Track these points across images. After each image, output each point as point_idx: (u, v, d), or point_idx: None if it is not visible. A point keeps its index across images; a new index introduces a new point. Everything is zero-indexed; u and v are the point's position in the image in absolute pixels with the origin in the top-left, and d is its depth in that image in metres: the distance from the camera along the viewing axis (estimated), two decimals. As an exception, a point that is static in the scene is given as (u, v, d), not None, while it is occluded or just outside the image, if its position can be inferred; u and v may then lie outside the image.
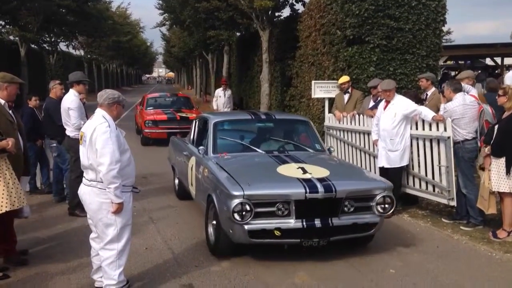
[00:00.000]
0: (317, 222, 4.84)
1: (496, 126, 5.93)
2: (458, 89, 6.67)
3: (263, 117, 7.03)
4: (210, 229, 5.45)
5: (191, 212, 7.04)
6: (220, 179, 5.10)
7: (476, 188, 6.41)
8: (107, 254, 4.12)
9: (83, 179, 4.22)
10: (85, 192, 4.16)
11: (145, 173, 9.64)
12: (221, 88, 15.19)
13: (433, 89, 7.99)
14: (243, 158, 6.02)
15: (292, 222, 4.80)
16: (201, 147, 6.12)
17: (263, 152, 6.09)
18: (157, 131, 13.71)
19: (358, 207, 5.05)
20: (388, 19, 9.44)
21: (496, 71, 21.34)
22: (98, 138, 3.98)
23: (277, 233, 4.74)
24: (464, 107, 6.51)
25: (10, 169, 4.66)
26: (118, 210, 4.06)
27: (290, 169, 5.26)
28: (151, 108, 15.11)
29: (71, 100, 6.65)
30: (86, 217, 4.39)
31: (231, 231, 4.82)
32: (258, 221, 4.74)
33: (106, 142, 3.97)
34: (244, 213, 4.65)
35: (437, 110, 7.02)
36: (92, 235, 4.34)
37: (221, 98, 14.82)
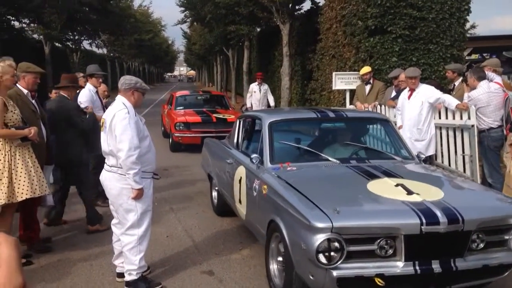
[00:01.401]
0: (436, 266, 3.43)
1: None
2: (482, 77, 6.52)
3: (332, 115, 5.32)
4: (274, 268, 4.14)
5: (211, 204, 7.03)
6: (291, 202, 3.70)
7: (501, 177, 6.26)
8: (128, 240, 4.15)
9: (105, 165, 4.25)
10: (106, 177, 4.19)
11: (167, 165, 9.70)
12: (256, 83, 13.52)
13: (460, 79, 7.82)
14: (313, 170, 4.54)
15: (399, 266, 3.39)
16: (254, 155, 4.65)
17: (336, 161, 4.63)
18: (189, 135, 11.37)
19: (489, 242, 3.62)
20: (411, 8, 9.28)
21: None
22: (117, 124, 4.00)
23: (379, 282, 3.36)
24: (489, 95, 6.36)
25: (33, 157, 4.72)
26: (138, 196, 4.07)
27: (386, 188, 3.85)
28: (181, 108, 12.89)
29: (83, 94, 6.57)
30: (108, 206, 4.43)
31: (311, 277, 3.41)
32: (351, 264, 3.35)
33: (125, 128, 3.98)
34: (332, 253, 3.29)
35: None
36: (113, 221, 4.37)
37: (256, 93, 13.26)
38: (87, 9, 24.80)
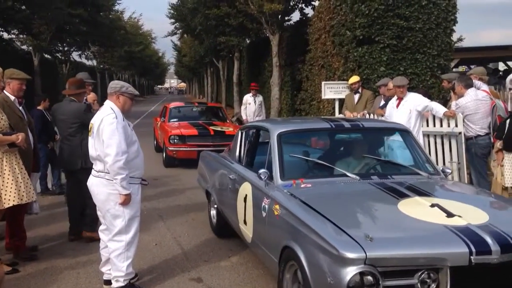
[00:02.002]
0: None
1: (508, 121, 5.84)
2: (469, 84, 6.60)
3: (347, 125, 4.79)
4: None
5: (200, 212, 7.00)
6: (312, 226, 3.20)
7: (489, 184, 6.31)
8: (115, 246, 4.11)
9: (92, 170, 4.22)
10: (93, 183, 4.16)
11: (156, 175, 9.65)
12: (250, 94, 12.97)
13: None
14: (331, 187, 4.07)
15: None
16: (262, 170, 4.12)
17: (355, 176, 4.13)
18: (185, 149, 10.48)
19: None
20: (398, 18, 9.39)
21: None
22: (104, 128, 3.98)
23: None
24: (476, 102, 6.44)
25: (20, 163, 4.68)
26: (126, 201, 4.04)
27: (420, 208, 3.38)
28: (175, 120, 12.01)
29: None
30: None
31: None
32: None
33: (113, 133, 3.96)
34: None
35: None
36: (101, 227, 4.32)
37: (250, 105, 12.70)
38: (77, 20, 24.80)
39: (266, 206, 3.95)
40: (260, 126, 5.19)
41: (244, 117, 12.81)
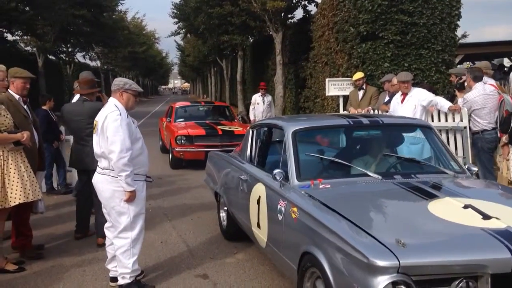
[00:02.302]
0: None
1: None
2: (478, 77, 6.50)
3: (366, 121, 4.50)
4: None
5: (206, 210, 7.00)
6: (336, 231, 2.93)
7: (495, 178, 6.27)
8: (121, 243, 4.10)
9: (97, 167, 4.22)
10: (98, 180, 4.16)
11: (161, 174, 9.66)
12: (259, 94, 12.52)
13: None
14: (352, 187, 3.80)
15: None
16: (277, 171, 3.85)
17: (377, 176, 3.84)
18: (192, 150, 10.05)
19: None
20: (402, 14, 9.37)
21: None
22: (109, 126, 3.98)
23: None
24: (484, 97, 6.38)
25: (26, 162, 4.69)
26: (131, 198, 4.04)
27: (453, 210, 3.11)
28: (181, 120, 11.65)
29: (74, 100, 6.31)
30: None
31: None
32: None
33: (117, 130, 3.96)
34: None
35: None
36: (106, 225, 4.32)
37: (259, 105, 12.28)
38: (80, 21, 24.88)
39: (282, 209, 3.68)
40: (272, 124, 4.92)
41: (252, 118, 12.42)
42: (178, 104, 12.64)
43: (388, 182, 3.80)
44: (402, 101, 7.01)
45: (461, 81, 7.08)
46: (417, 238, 2.78)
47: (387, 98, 8.24)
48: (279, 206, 3.76)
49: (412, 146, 4.88)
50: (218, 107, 13.53)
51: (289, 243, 3.57)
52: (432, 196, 3.37)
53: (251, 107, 12.65)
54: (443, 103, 6.67)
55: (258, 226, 4.23)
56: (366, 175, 3.90)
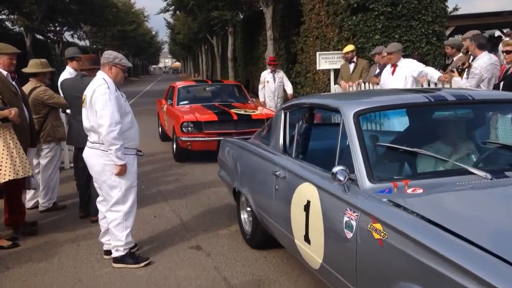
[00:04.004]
0: None
1: (502, 83, 5.80)
2: (483, 45, 6.25)
3: (451, 98, 3.28)
4: None
5: (198, 184, 7.04)
6: (460, 261, 1.97)
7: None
8: (114, 216, 4.13)
9: (87, 142, 4.21)
10: (88, 154, 4.16)
11: (153, 151, 9.66)
12: (268, 70, 10.66)
13: (460, 54, 7.50)
14: (455, 191, 2.71)
15: None
16: (338, 168, 2.77)
17: (485, 174, 2.76)
18: (202, 139, 8.26)
19: None
20: (392, -15, 9.30)
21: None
22: (97, 99, 3.96)
23: None
24: (492, 66, 6.25)
25: (15, 138, 4.67)
26: (121, 172, 4.04)
27: None
28: (185, 102, 9.80)
29: (62, 77, 6.28)
30: None
31: None
32: None
33: (105, 103, 3.94)
34: None
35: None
36: (98, 199, 4.34)
37: (269, 83, 10.47)
38: (67, -1, 24.51)
39: (353, 223, 2.66)
40: (319, 104, 3.92)
41: (262, 99, 10.66)
42: (181, 84, 10.79)
43: (504, 182, 2.74)
44: (393, 72, 7.01)
45: (464, 66, 6.87)
46: None
47: (377, 71, 8.24)
48: (346, 218, 2.73)
49: None
50: (227, 86, 11.41)
51: (369, 273, 2.57)
52: None
53: (260, 86, 10.84)
54: (433, 74, 6.67)
55: (307, 240, 3.21)
56: (468, 172, 2.82)
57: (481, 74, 6.09)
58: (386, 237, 2.40)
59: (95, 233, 4.81)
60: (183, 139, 8.33)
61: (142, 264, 4.17)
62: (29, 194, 5.93)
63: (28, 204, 5.89)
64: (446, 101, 3.32)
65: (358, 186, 2.80)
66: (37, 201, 5.91)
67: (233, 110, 8.87)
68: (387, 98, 3.66)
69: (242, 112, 8.79)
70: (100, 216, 4.37)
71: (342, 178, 2.76)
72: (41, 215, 5.73)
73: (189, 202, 6.17)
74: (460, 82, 6.24)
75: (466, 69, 6.48)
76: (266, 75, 10.66)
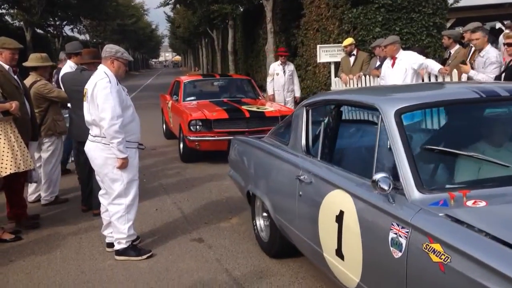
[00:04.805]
0: None
1: (503, 75, 5.81)
2: (489, 38, 6.31)
3: (504, 93, 2.90)
4: None
5: (199, 178, 7.07)
6: None
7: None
8: (116, 209, 4.15)
9: (89, 135, 4.23)
10: (90, 148, 4.18)
11: (155, 144, 9.68)
12: (278, 62, 10.21)
13: (457, 46, 7.50)
14: None
15: None
16: (381, 175, 2.42)
17: None
18: (211, 138, 7.67)
19: None
20: (392, -23, 9.28)
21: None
22: (99, 93, 3.97)
23: None
24: (500, 56, 6.27)
25: (16, 132, 4.69)
26: (123, 165, 4.06)
27: None
28: (192, 98, 9.12)
29: (63, 71, 6.21)
30: None
31: None
32: None
33: (107, 97, 3.96)
34: None
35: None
36: (100, 192, 4.36)
37: (279, 76, 9.99)
38: (67, -7, 24.46)
39: (402, 241, 2.28)
40: (348, 101, 3.49)
41: (270, 92, 10.19)
42: (187, 78, 10.17)
43: None
44: (392, 65, 7.00)
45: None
46: None
47: (378, 63, 8.24)
48: (392, 235, 2.36)
49: None
50: (236, 80, 10.60)
51: None
52: None
53: (268, 79, 10.38)
54: (433, 66, 6.67)
55: (339, 255, 2.85)
56: None
57: (499, 64, 6.07)
58: (448, 260, 2.00)
59: (97, 226, 4.84)
60: (191, 138, 7.73)
61: (144, 257, 4.20)
62: (31, 188, 5.97)
63: (30, 197, 5.93)
64: (499, 97, 2.92)
65: (405, 197, 2.42)
66: (39, 194, 5.95)
67: (244, 107, 8.25)
68: (432, 93, 3.26)
69: (254, 109, 8.17)
70: (102, 209, 4.39)
71: (386, 187, 2.39)
72: (43, 208, 5.76)
73: (191, 195, 6.20)
74: (478, 76, 6.12)
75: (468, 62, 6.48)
76: (275, 67, 10.16)
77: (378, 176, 2.42)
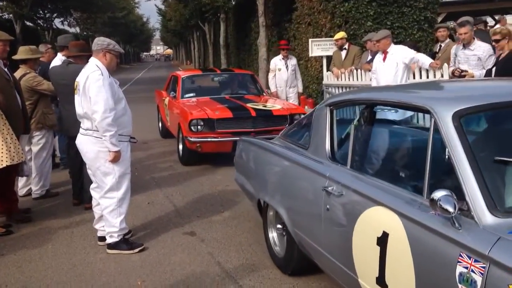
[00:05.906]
0: None
1: (494, 69, 5.85)
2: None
3: None
4: None
5: (191, 171, 7.07)
6: None
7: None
8: (108, 203, 4.15)
9: (80, 129, 4.21)
10: (81, 141, 4.16)
11: (146, 139, 9.65)
12: (279, 57, 9.61)
13: (447, 40, 7.57)
14: None
15: None
16: (442, 194, 1.94)
17: None
18: (214, 139, 7.02)
19: None
20: (384, -30, 9.29)
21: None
22: (91, 86, 3.95)
23: None
24: (491, 49, 6.32)
25: (7, 124, 4.67)
26: (115, 158, 4.05)
27: None
28: (191, 95, 8.46)
29: (53, 64, 6.16)
30: None
31: None
32: None
33: (99, 89, 3.94)
34: None
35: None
36: (92, 186, 4.35)
37: (281, 71, 9.49)
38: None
39: (476, 278, 1.86)
40: (388, 101, 2.91)
41: (273, 89, 9.63)
42: (185, 73, 9.37)
43: None
44: (384, 59, 7.02)
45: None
46: None
47: (369, 57, 8.27)
48: (460, 269, 1.93)
49: None
50: (238, 75, 9.72)
51: None
52: None
53: (270, 75, 9.81)
54: (424, 60, 6.70)
55: (382, 284, 2.40)
56: None
57: (494, 56, 6.12)
58: None
59: (89, 220, 4.83)
60: (191, 139, 7.05)
61: (136, 250, 4.20)
62: (21, 181, 5.94)
63: (21, 191, 5.90)
64: None
65: (474, 220, 1.97)
66: (30, 188, 5.92)
67: (249, 105, 7.49)
68: (495, 92, 2.70)
69: (261, 107, 7.48)
70: (94, 202, 4.38)
71: (451, 209, 1.93)
72: (35, 202, 5.74)
73: (183, 189, 6.20)
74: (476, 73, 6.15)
75: (456, 59, 6.53)
76: (277, 62, 9.62)
77: (438, 194, 1.95)
